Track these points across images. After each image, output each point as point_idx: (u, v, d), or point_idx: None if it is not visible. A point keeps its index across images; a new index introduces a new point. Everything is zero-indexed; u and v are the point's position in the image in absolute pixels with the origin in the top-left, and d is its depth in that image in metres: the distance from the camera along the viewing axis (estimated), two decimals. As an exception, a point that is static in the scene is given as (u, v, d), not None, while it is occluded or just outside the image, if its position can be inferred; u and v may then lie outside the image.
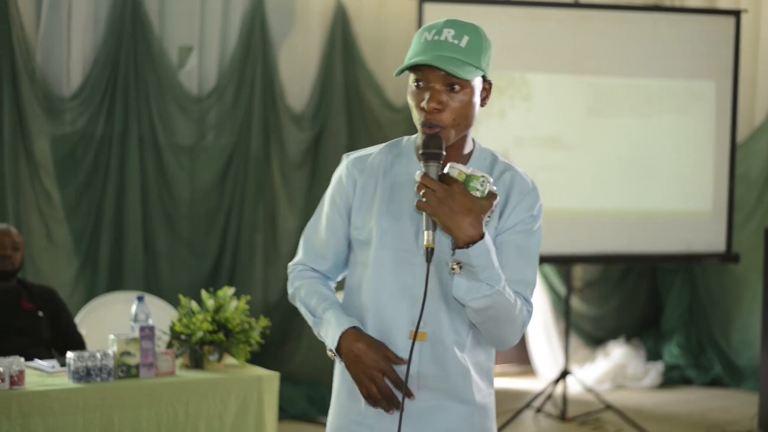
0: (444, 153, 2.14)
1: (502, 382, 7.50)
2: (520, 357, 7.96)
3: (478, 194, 2.09)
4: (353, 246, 2.36)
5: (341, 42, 6.84)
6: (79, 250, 6.14)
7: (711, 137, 6.93)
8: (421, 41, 2.21)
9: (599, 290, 8.14)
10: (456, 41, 2.18)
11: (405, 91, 6.56)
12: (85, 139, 6.17)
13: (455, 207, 2.06)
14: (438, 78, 2.17)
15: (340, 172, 2.39)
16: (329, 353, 2.32)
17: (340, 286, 2.50)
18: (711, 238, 6.91)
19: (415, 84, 2.22)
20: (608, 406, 6.59)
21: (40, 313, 4.70)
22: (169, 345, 4.15)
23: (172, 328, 4.15)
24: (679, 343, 8.05)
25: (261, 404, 4.07)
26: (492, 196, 2.10)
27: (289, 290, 2.45)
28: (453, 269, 2.12)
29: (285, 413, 6.21)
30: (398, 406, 2.23)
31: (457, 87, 2.18)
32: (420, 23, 6.38)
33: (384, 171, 2.33)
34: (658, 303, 8.39)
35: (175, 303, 4.58)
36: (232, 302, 4.17)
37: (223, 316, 4.11)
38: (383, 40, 7.00)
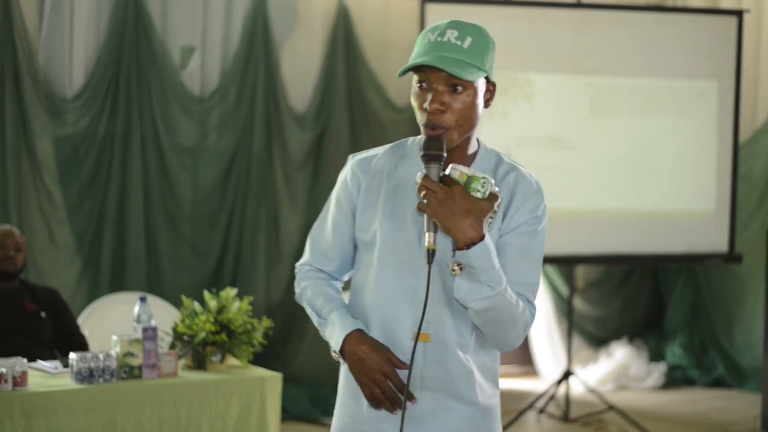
0: (445, 154, 2.14)
1: (504, 383, 7.49)
2: (522, 358, 7.96)
3: (479, 195, 2.09)
4: (358, 247, 2.36)
5: (343, 42, 6.84)
6: (82, 251, 6.14)
7: (713, 137, 6.93)
8: (425, 42, 2.21)
9: (602, 291, 8.13)
10: (459, 42, 2.17)
11: (407, 91, 6.56)
12: (88, 139, 6.17)
13: (455, 209, 2.06)
14: (440, 79, 2.17)
15: (345, 173, 2.39)
16: (333, 355, 2.32)
17: (348, 285, 2.51)
18: (713, 239, 6.90)
19: (418, 85, 2.22)
20: (611, 407, 6.58)
21: (43, 314, 4.70)
22: (172, 346, 4.15)
23: (174, 329, 4.15)
24: (682, 344, 8.05)
25: (264, 405, 4.07)
26: (493, 197, 2.10)
27: (296, 290, 2.46)
28: (453, 271, 2.13)
29: (287, 414, 6.21)
30: (401, 407, 2.23)
31: (459, 88, 2.18)
32: (422, 23, 6.38)
33: (388, 173, 2.33)
34: (660, 303, 8.38)
35: (177, 304, 4.58)
36: (234, 303, 4.17)
37: (226, 316, 4.11)
38: (386, 40, 7.00)
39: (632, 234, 6.77)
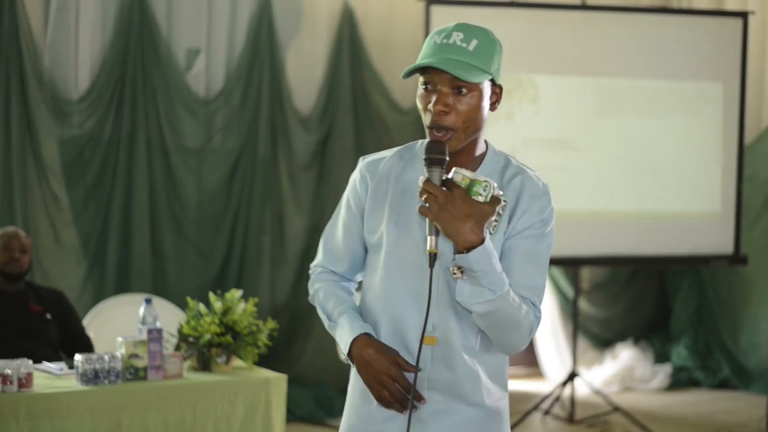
0: (447, 158, 2.14)
1: (509, 384, 7.46)
2: (527, 359, 7.96)
3: (480, 199, 2.09)
4: (368, 248, 2.37)
5: (348, 44, 6.84)
6: (87, 253, 6.15)
7: (718, 139, 6.92)
8: (431, 44, 2.21)
9: (607, 292, 8.12)
10: (464, 45, 2.18)
11: (412, 93, 6.57)
12: (93, 141, 6.18)
13: (455, 212, 2.06)
14: (445, 81, 2.18)
15: (355, 175, 2.40)
16: (342, 357, 2.34)
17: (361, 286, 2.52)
18: (719, 240, 6.90)
19: (424, 87, 2.22)
20: (616, 408, 6.58)
21: (48, 316, 4.71)
22: (177, 347, 4.16)
23: (179, 331, 4.15)
24: (687, 345, 8.03)
25: (269, 406, 4.07)
26: (495, 201, 2.10)
27: (310, 291, 2.49)
28: (455, 274, 2.13)
29: (292, 415, 6.21)
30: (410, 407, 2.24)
31: (464, 90, 2.18)
32: (427, 25, 6.38)
33: (396, 176, 2.33)
34: (666, 305, 8.37)
35: (182, 305, 4.58)
36: (239, 304, 4.17)
37: (231, 318, 4.11)
38: (390, 42, 7.00)
39: (637, 235, 6.76)
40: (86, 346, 4.71)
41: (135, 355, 3.86)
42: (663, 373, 7.85)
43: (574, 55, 6.66)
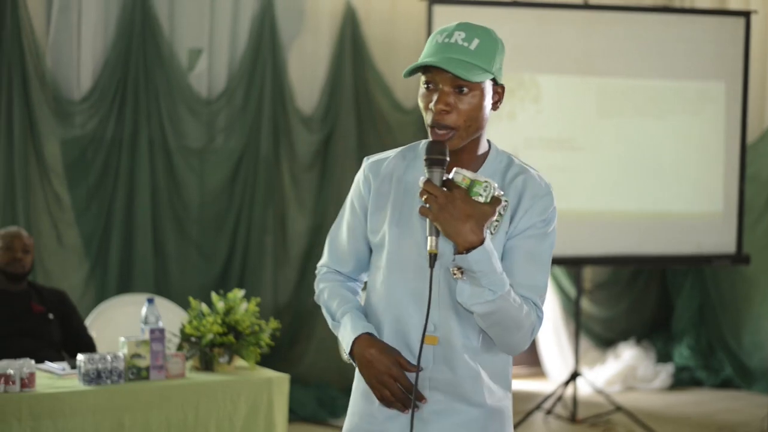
0: (447, 159, 2.14)
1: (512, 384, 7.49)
2: (530, 359, 7.96)
3: (481, 199, 2.09)
4: (372, 248, 2.38)
5: (351, 44, 6.84)
6: (89, 253, 6.16)
7: (721, 138, 6.92)
8: (433, 44, 2.22)
9: (609, 292, 8.12)
10: (466, 44, 2.18)
11: (414, 93, 6.57)
12: (95, 141, 6.18)
13: (455, 213, 2.06)
14: (446, 80, 2.18)
15: (358, 175, 2.41)
16: (344, 356, 2.34)
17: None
18: (721, 240, 6.89)
19: (425, 86, 2.23)
20: (618, 408, 6.58)
21: (51, 316, 4.71)
22: (179, 347, 4.16)
23: (182, 331, 4.15)
24: (690, 345, 8.03)
25: (271, 406, 4.07)
26: (496, 201, 2.10)
27: (315, 291, 2.50)
28: (455, 274, 2.14)
29: (294, 415, 6.21)
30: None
31: (465, 89, 2.19)
32: (429, 25, 6.38)
33: (398, 176, 2.34)
34: (668, 304, 8.37)
35: (185, 305, 4.58)
36: (242, 304, 4.17)
37: (233, 318, 4.12)
38: (393, 41, 7.00)
39: (639, 235, 6.76)
40: (88, 346, 4.71)
41: (137, 355, 3.87)
42: (665, 372, 7.84)
43: (577, 54, 6.66)
